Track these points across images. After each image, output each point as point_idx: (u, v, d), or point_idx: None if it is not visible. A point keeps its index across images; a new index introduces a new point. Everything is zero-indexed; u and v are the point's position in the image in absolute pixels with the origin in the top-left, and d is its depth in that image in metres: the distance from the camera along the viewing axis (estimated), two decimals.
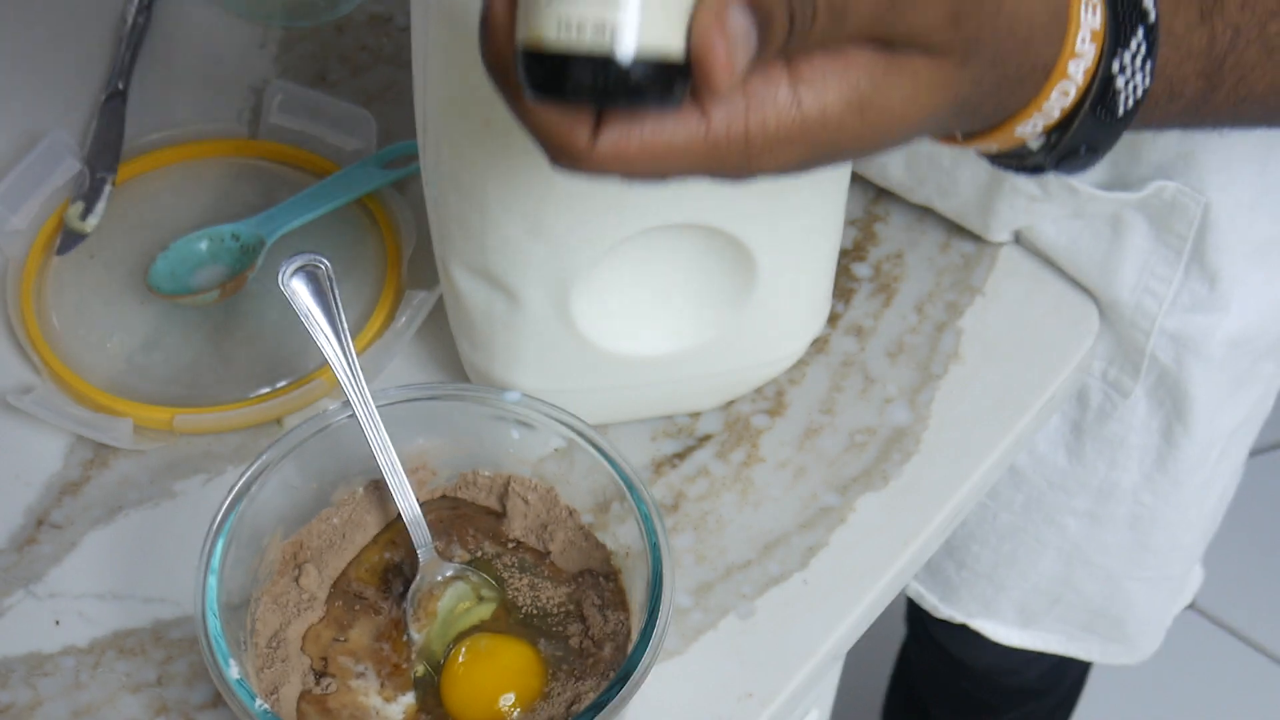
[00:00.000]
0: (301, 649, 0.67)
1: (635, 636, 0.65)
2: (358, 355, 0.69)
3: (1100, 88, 0.50)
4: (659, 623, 0.63)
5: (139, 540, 0.74)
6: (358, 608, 0.69)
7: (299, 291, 0.68)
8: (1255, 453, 1.99)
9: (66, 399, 0.78)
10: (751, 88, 0.44)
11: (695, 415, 0.79)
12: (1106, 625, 1.03)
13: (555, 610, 0.69)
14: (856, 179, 0.85)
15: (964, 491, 0.77)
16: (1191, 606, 1.86)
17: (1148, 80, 0.51)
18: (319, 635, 0.68)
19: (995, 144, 0.53)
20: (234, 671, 0.62)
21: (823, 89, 0.44)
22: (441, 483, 0.72)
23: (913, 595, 1.07)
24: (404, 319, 0.80)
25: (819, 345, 0.82)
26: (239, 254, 0.83)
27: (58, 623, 0.72)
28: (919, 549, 0.76)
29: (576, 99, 0.44)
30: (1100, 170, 0.79)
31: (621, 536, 0.68)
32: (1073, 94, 0.50)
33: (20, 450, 0.77)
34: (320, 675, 0.67)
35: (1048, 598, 1.02)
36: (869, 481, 0.77)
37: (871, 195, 0.87)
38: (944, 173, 0.82)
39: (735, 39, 0.41)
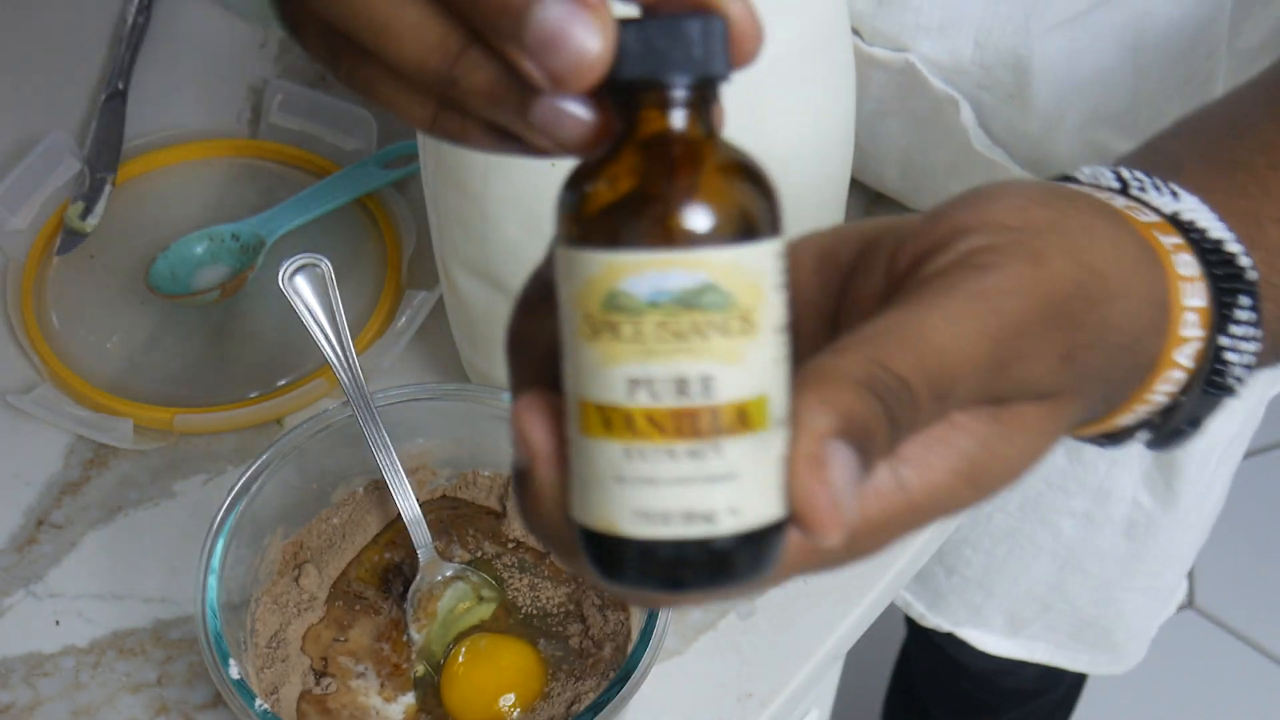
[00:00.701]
0: (301, 649, 0.67)
1: (635, 636, 0.65)
2: (358, 355, 0.69)
3: (1210, 365, 0.45)
4: (659, 623, 0.63)
5: (139, 540, 0.74)
6: (358, 608, 0.69)
7: (299, 291, 0.68)
8: (1253, 453, 1.99)
9: (66, 399, 0.78)
10: None
11: None
12: (1095, 634, 1.04)
13: (555, 610, 0.69)
14: (855, 181, 0.85)
15: None
16: (1191, 606, 1.87)
17: (1257, 345, 0.46)
18: (319, 635, 0.68)
19: (1090, 433, 0.47)
20: (234, 671, 0.62)
21: (927, 465, 0.39)
22: (441, 483, 0.72)
23: (900, 604, 1.07)
24: (404, 319, 0.80)
25: None
26: (239, 254, 0.83)
27: (58, 623, 0.72)
28: (919, 549, 0.76)
29: (659, 589, 0.37)
30: None
31: None
32: (1181, 380, 0.44)
33: (20, 450, 0.77)
34: (320, 675, 0.67)
35: (1038, 605, 1.02)
36: None
37: (871, 196, 0.87)
38: (939, 182, 0.83)
39: (840, 483, 0.36)
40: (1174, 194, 0.45)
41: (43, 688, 0.70)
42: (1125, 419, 0.46)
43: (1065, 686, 1.33)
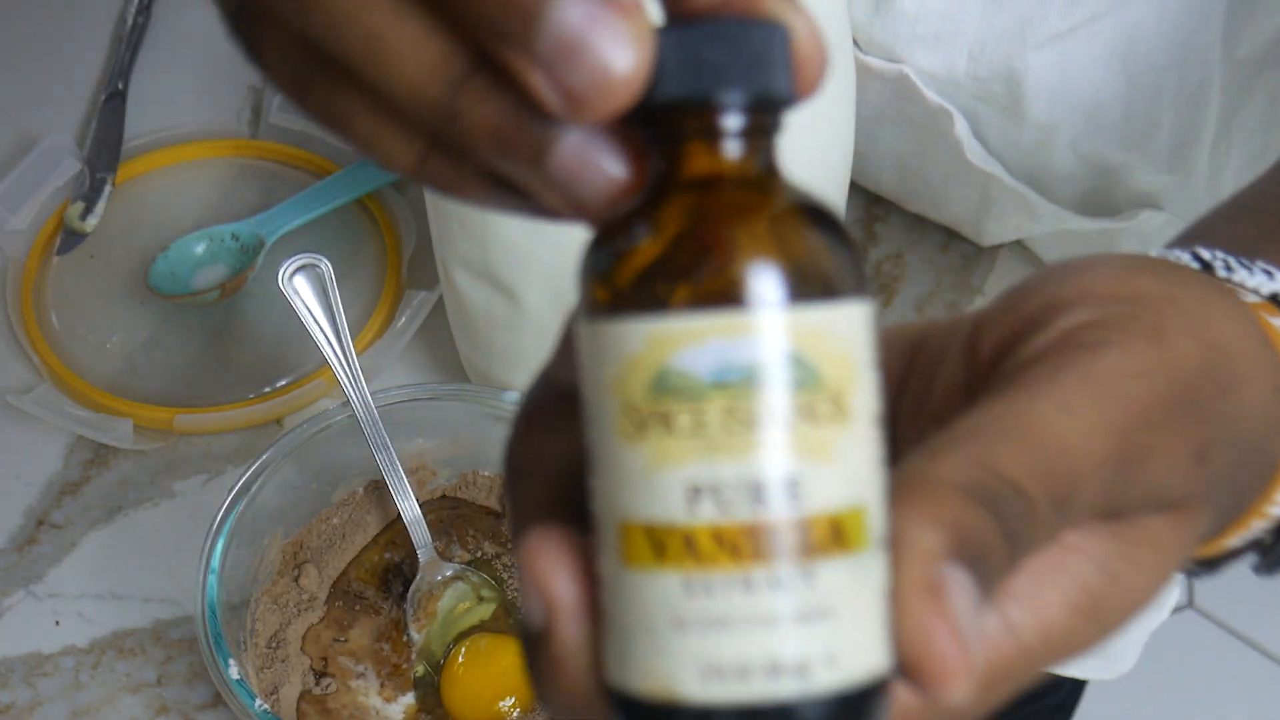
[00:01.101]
0: (301, 649, 0.67)
1: None
2: (358, 355, 0.69)
3: None
4: None
5: (139, 540, 0.74)
6: (358, 608, 0.69)
7: (299, 291, 0.68)
8: None
9: (66, 399, 0.78)
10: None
11: None
12: None
13: None
14: (854, 183, 0.85)
15: None
16: (1191, 606, 1.87)
17: None
18: (319, 635, 0.68)
19: (1205, 553, 0.41)
20: (234, 671, 0.61)
21: (1039, 601, 0.32)
22: (441, 483, 0.72)
23: None
24: (404, 319, 0.80)
25: None
26: (239, 254, 0.83)
27: (58, 623, 0.72)
28: None
29: None
30: (1086, 197, 0.79)
31: None
32: None
33: (20, 450, 0.77)
34: (320, 675, 0.67)
35: None
36: None
37: (872, 196, 0.87)
38: (935, 190, 0.83)
39: (962, 616, 0.29)
40: (1268, 273, 0.39)
41: (43, 688, 0.70)
42: (1235, 540, 0.39)
43: (1066, 689, 1.33)
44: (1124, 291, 0.34)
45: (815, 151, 0.69)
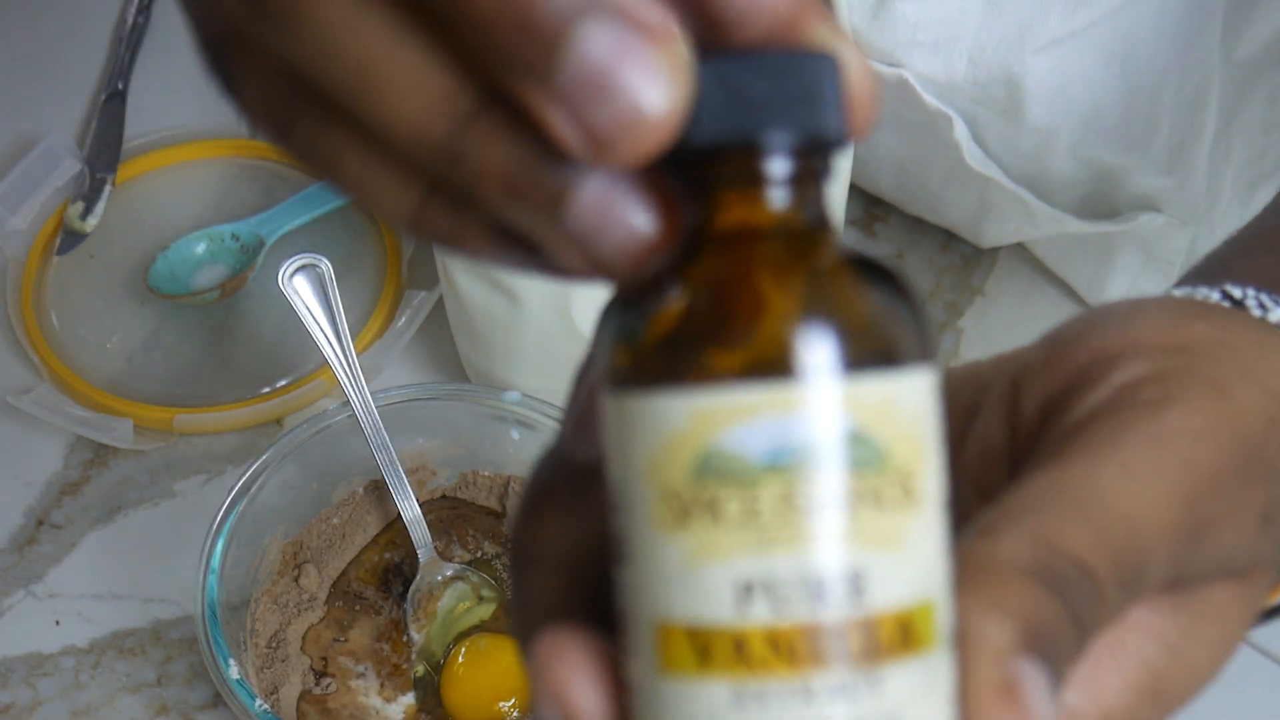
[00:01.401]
0: (301, 649, 0.67)
1: None
2: (358, 355, 0.69)
3: None
4: None
5: (139, 540, 0.74)
6: (358, 608, 0.69)
7: (299, 291, 0.68)
8: None
9: (66, 399, 0.78)
10: None
11: None
12: None
13: None
14: (853, 185, 0.85)
15: None
16: None
17: None
18: (319, 635, 0.68)
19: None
20: (234, 671, 0.61)
21: (1098, 684, 0.30)
22: (441, 483, 0.72)
23: None
24: (404, 319, 0.80)
25: None
26: (239, 254, 0.83)
27: (58, 623, 0.72)
28: None
29: None
30: (1085, 200, 0.79)
31: None
32: None
33: (20, 450, 0.77)
34: (320, 675, 0.67)
35: None
36: None
37: (869, 199, 0.87)
38: (934, 193, 0.83)
39: (1036, 713, 0.26)
40: None
41: (43, 688, 0.70)
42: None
43: None
44: (1178, 340, 0.32)
45: None
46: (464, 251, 0.28)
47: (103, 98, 0.90)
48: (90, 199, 0.84)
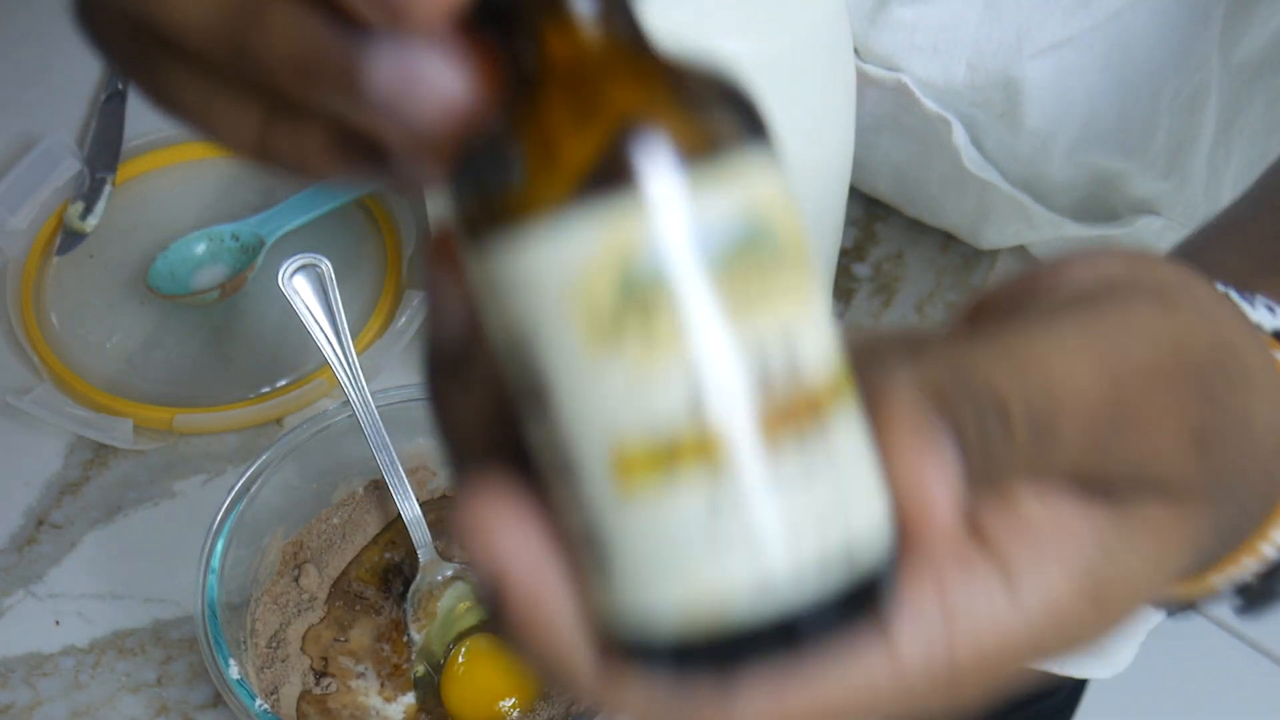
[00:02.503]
0: (301, 649, 0.67)
1: None
2: (358, 355, 0.69)
3: None
4: None
5: (139, 540, 0.74)
6: (358, 608, 0.69)
7: (299, 291, 0.68)
8: None
9: (66, 399, 0.78)
10: (949, 590, 0.30)
11: None
12: None
13: None
14: (852, 188, 0.86)
15: None
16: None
17: None
18: (319, 635, 0.68)
19: (1187, 590, 0.40)
20: (234, 671, 0.62)
21: (1044, 577, 0.30)
22: (441, 483, 0.72)
23: None
24: (404, 319, 0.80)
25: None
26: (239, 254, 0.83)
27: (58, 623, 0.72)
28: None
29: (745, 670, 0.26)
30: (1084, 204, 0.79)
31: None
32: None
33: (20, 450, 0.77)
34: (320, 675, 0.67)
35: None
36: None
37: (868, 200, 0.87)
38: (933, 197, 0.83)
39: (949, 465, 0.28)
40: (1270, 309, 0.37)
41: (43, 688, 0.70)
42: (1221, 578, 0.38)
43: (1066, 690, 1.33)
44: (1140, 271, 0.32)
45: (816, 158, 0.69)
46: (311, 172, 0.27)
47: (103, 98, 0.90)
48: (90, 199, 0.84)
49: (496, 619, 0.28)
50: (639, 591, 0.25)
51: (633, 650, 0.26)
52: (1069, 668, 1.07)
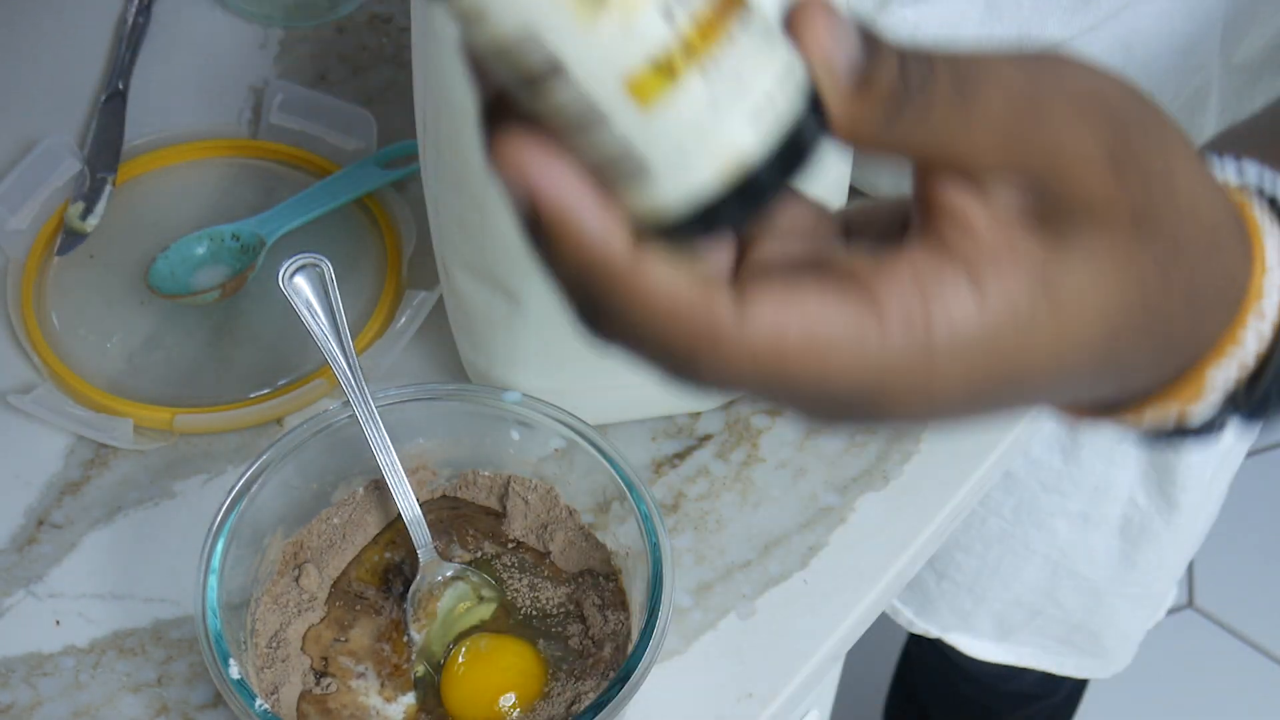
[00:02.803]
0: (302, 649, 0.67)
1: (635, 636, 0.65)
2: (358, 355, 0.69)
3: None
4: (659, 623, 0.63)
5: (139, 540, 0.74)
6: (358, 608, 0.69)
7: (299, 291, 0.68)
8: (1255, 453, 1.99)
9: (66, 399, 0.78)
10: (925, 281, 0.35)
11: (695, 415, 0.79)
12: (1084, 639, 1.04)
13: (555, 610, 0.69)
14: (852, 187, 0.85)
15: (964, 491, 0.77)
16: (1190, 606, 1.87)
17: None
18: (319, 635, 0.68)
19: (1179, 402, 0.42)
20: (234, 671, 0.62)
21: (1004, 281, 0.35)
22: (441, 483, 0.72)
23: (888, 609, 1.07)
24: (404, 319, 0.80)
25: None
26: (239, 254, 0.83)
27: (58, 623, 0.72)
28: (919, 549, 0.76)
29: (735, 225, 0.34)
30: None
31: (621, 536, 0.68)
32: (1271, 318, 0.41)
33: (20, 450, 0.77)
34: (320, 675, 0.67)
35: (1027, 610, 1.02)
36: (869, 481, 0.77)
37: (871, 197, 0.87)
38: None
39: (840, 23, 0.34)
40: (1238, 169, 0.43)
41: (43, 688, 0.70)
42: (1216, 370, 0.41)
43: (1066, 690, 1.34)
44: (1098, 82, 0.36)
45: None
46: None
47: (103, 98, 0.90)
48: (90, 199, 0.84)
49: (535, 238, 0.33)
50: (680, 174, 0.33)
51: (670, 229, 0.33)
52: (1068, 667, 1.08)
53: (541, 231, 0.33)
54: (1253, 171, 0.42)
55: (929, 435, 0.79)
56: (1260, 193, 0.42)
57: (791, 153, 0.33)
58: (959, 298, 0.34)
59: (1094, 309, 0.36)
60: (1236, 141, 0.45)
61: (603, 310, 0.34)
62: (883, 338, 0.34)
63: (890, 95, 0.34)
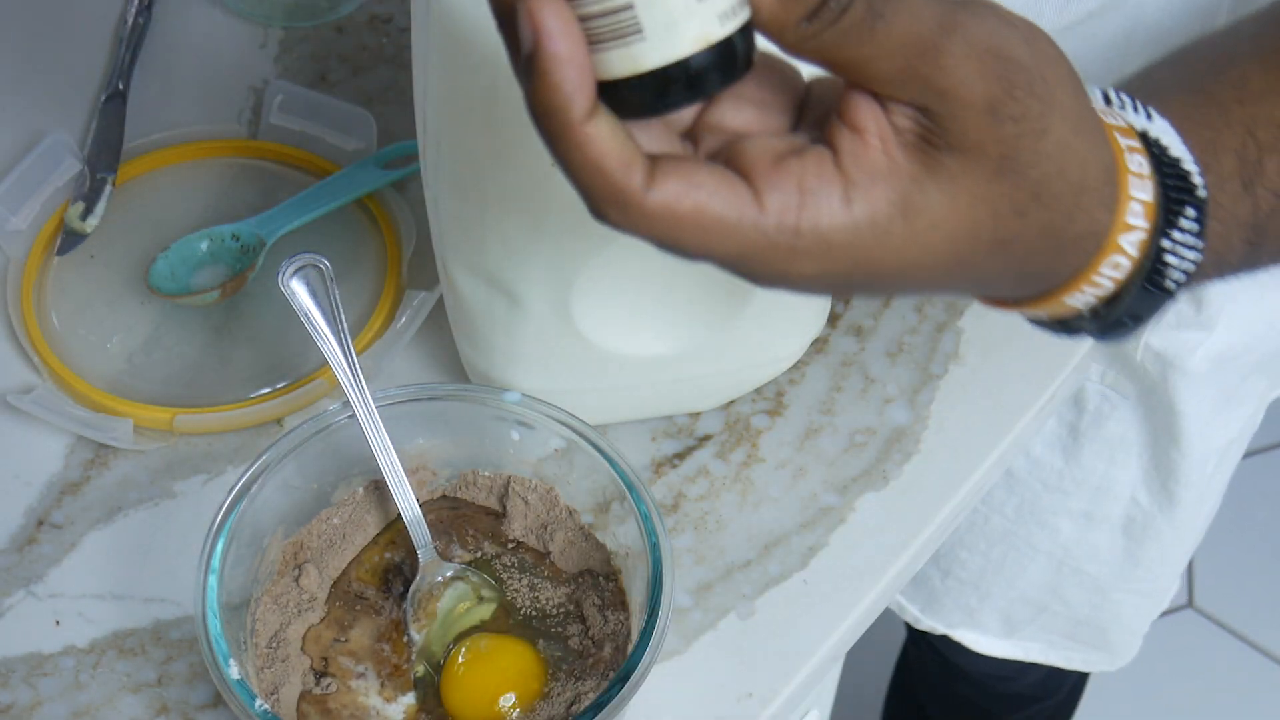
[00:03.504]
0: (302, 649, 0.67)
1: (635, 636, 0.65)
2: (358, 355, 0.69)
3: (1151, 264, 0.49)
4: (659, 623, 0.63)
5: (139, 540, 0.74)
6: (358, 608, 0.69)
7: (299, 291, 0.68)
8: (1255, 452, 1.99)
9: (67, 399, 0.78)
10: (806, 183, 0.43)
11: (695, 415, 0.79)
12: (1090, 634, 1.04)
13: (555, 611, 0.69)
14: None
15: (964, 491, 0.77)
16: (1190, 606, 1.87)
17: (1198, 255, 0.50)
18: (319, 635, 0.68)
19: (1045, 311, 0.51)
20: (234, 671, 0.62)
21: (871, 193, 0.43)
22: (441, 483, 0.72)
23: (894, 607, 1.07)
24: (404, 319, 0.80)
25: (819, 345, 0.82)
26: (239, 254, 0.83)
27: (58, 623, 0.72)
28: (919, 549, 0.76)
29: (683, 103, 0.43)
30: None
31: (621, 536, 0.68)
32: (1125, 268, 0.49)
33: (20, 450, 0.77)
34: (320, 675, 0.67)
35: (1033, 607, 1.02)
36: (869, 481, 0.77)
37: None
38: None
39: None
40: (1149, 115, 0.50)
41: (43, 688, 0.70)
42: (1074, 298, 0.49)
43: (1065, 691, 1.34)
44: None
45: None
46: None
47: (103, 98, 0.90)
48: (90, 199, 0.84)
49: (524, 73, 0.42)
50: (665, 43, 0.42)
51: (636, 89, 0.43)
52: (1075, 662, 1.08)
53: (531, 70, 0.41)
54: (1159, 126, 0.50)
55: (929, 436, 0.79)
56: (1145, 137, 0.49)
57: (743, 49, 0.43)
58: (830, 204, 0.43)
59: (942, 230, 0.44)
60: (1150, 83, 0.54)
61: (554, 144, 0.43)
62: (757, 221, 0.43)
63: (811, 7, 0.41)
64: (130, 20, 0.94)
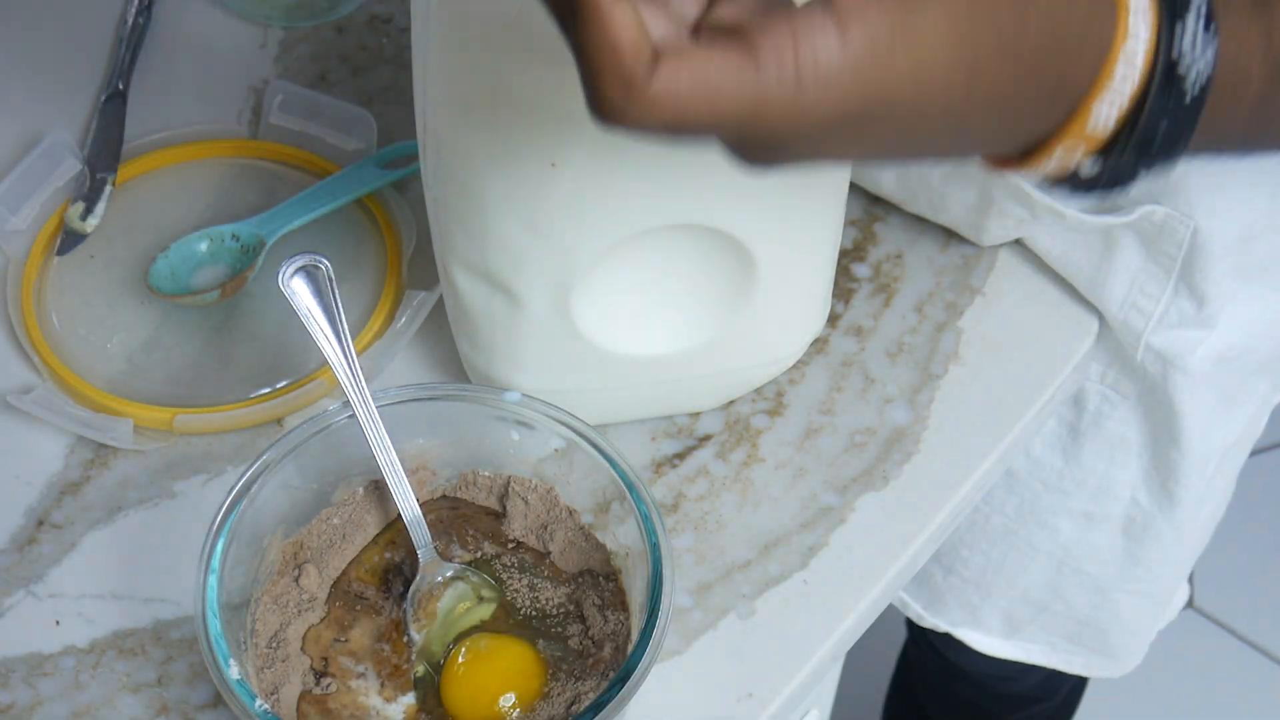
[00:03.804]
0: (302, 649, 0.67)
1: (635, 636, 0.65)
2: (358, 355, 0.69)
3: (1164, 71, 0.48)
4: (659, 623, 0.63)
5: (139, 540, 0.74)
6: (358, 608, 0.69)
7: (299, 291, 0.68)
8: (1255, 452, 1.98)
9: (67, 399, 0.78)
10: (796, 25, 0.43)
11: (695, 415, 0.79)
12: (1092, 636, 1.03)
13: (555, 611, 0.69)
14: (854, 185, 0.85)
15: (964, 491, 0.77)
16: (1191, 606, 1.87)
17: (1210, 66, 0.49)
18: (319, 635, 0.68)
19: (1080, 143, 0.50)
20: (234, 671, 0.62)
21: (865, 18, 0.43)
22: (441, 483, 0.72)
23: (898, 604, 1.07)
24: (404, 319, 0.80)
25: (819, 345, 0.82)
26: (239, 254, 0.83)
27: (58, 623, 0.72)
28: (919, 549, 0.76)
29: None
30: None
31: (621, 536, 0.68)
32: (1139, 65, 0.48)
33: (20, 450, 0.77)
34: (320, 675, 0.67)
35: (1034, 607, 1.02)
36: (869, 481, 0.77)
37: (871, 196, 0.87)
38: (934, 191, 0.83)
39: None
40: None
41: (43, 688, 0.70)
42: (1100, 106, 0.48)
43: (1065, 692, 1.33)
44: None
45: None
46: None
47: (103, 98, 0.90)
48: (90, 199, 0.84)
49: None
50: None
51: None
52: (1077, 665, 1.07)
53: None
54: None
55: (929, 436, 0.79)
56: None
57: None
58: (825, 39, 0.43)
59: (948, 43, 0.44)
60: None
61: (579, 19, 0.42)
62: (757, 74, 0.42)
63: None
64: (130, 20, 0.94)
